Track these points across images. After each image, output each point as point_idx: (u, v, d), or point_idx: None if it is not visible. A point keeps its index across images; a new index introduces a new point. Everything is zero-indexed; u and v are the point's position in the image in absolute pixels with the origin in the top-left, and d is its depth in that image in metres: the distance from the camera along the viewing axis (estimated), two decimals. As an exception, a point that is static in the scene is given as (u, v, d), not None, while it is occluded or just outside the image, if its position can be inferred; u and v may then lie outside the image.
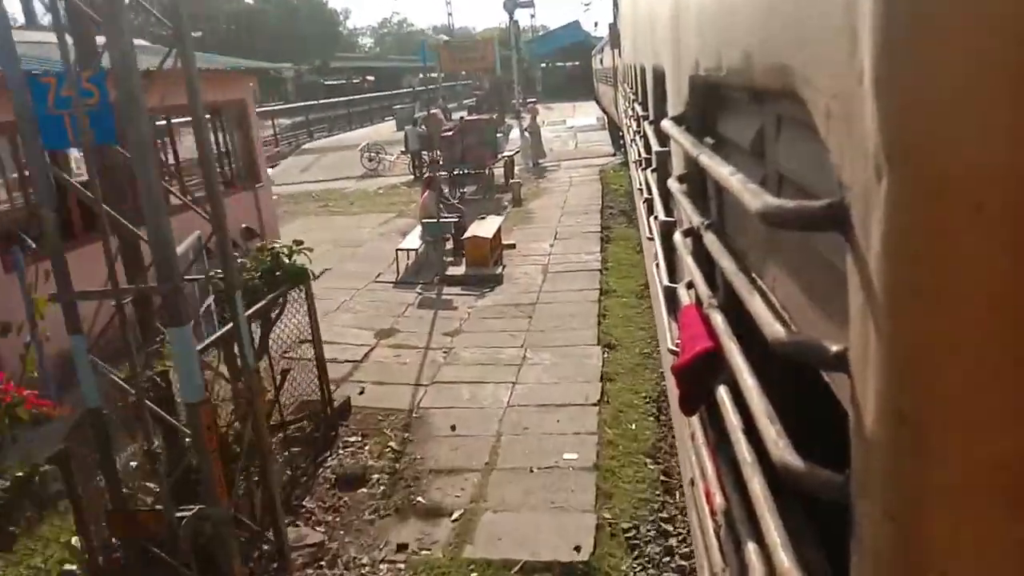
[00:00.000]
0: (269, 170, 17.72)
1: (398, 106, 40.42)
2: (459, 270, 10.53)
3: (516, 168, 18.70)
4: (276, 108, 40.64)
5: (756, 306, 0.93)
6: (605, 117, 24.52)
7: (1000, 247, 0.50)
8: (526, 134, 20.47)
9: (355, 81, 53.52)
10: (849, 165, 0.65)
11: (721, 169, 1.05)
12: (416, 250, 10.97)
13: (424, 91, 48.17)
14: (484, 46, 39.05)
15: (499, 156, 17.38)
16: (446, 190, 15.06)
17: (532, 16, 57.27)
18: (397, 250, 11.00)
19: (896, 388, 0.58)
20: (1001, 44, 0.47)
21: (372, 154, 22.88)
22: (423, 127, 20.30)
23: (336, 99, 44.46)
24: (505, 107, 30.55)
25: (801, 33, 0.77)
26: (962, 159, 0.50)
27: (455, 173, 16.42)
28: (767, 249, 1.18)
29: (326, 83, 50.68)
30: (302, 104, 42.91)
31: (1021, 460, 0.52)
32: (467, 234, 10.77)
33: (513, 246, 11.76)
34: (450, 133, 17.12)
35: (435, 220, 10.59)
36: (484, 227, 11.00)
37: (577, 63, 51.26)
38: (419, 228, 11.28)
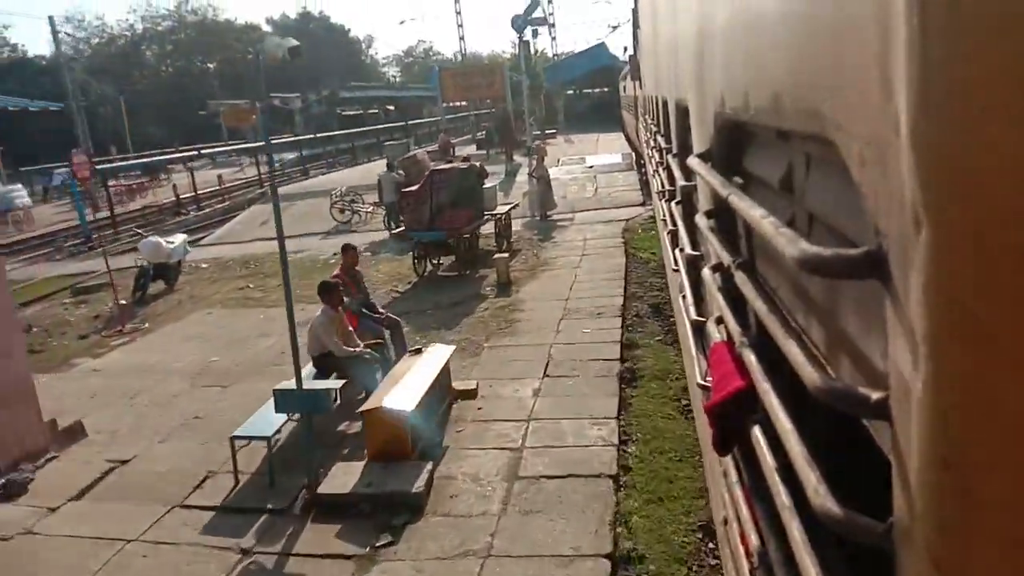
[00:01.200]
0: (182, 232, 15.10)
1: (389, 142, 34.51)
2: (353, 472, 5.35)
3: (519, 222, 14.70)
4: (258, 144, 35.22)
5: (792, 350, 0.93)
6: (632, 154, 20.96)
7: None
8: (532, 179, 16.53)
9: (372, 111, 50.05)
10: (885, 212, 0.66)
11: (753, 212, 1.05)
12: (269, 438, 5.62)
13: (418, 124, 42.91)
14: (492, 71, 34.90)
15: (486, 215, 12.87)
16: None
17: (553, 38, 51.56)
18: (233, 439, 5.67)
19: (940, 435, 0.58)
20: None
21: (344, 203, 18.20)
22: (400, 172, 16.05)
23: (345, 131, 41.10)
24: (514, 142, 25.46)
25: (833, 79, 0.78)
26: (1001, 208, 0.51)
27: (422, 243, 11.93)
28: (800, 289, 1.18)
29: (343, 114, 47.45)
30: (290, 139, 38.88)
31: None
32: (370, 402, 5.69)
33: (473, 394, 6.68)
34: (414, 188, 12.25)
35: (292, 390, 5.35)
36: (411, 378, 5.94)
37: (606, 89, 46.18)
38: (309, 369, 6.30)
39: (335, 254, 12.11)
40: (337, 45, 72.85)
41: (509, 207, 14.16)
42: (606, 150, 26.12)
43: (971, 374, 0.55)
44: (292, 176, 32.96)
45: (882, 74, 0.63)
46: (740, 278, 1.29)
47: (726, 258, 1.43)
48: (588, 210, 16.75)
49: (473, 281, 11.40)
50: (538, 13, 29.93)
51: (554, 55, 50.31)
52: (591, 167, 22.86)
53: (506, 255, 11.66)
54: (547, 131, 33.57)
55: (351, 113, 48.74)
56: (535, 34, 44.09)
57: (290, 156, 36.97)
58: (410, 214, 12.01)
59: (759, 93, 1.16)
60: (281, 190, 24.35)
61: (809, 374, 0.85)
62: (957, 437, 0.57)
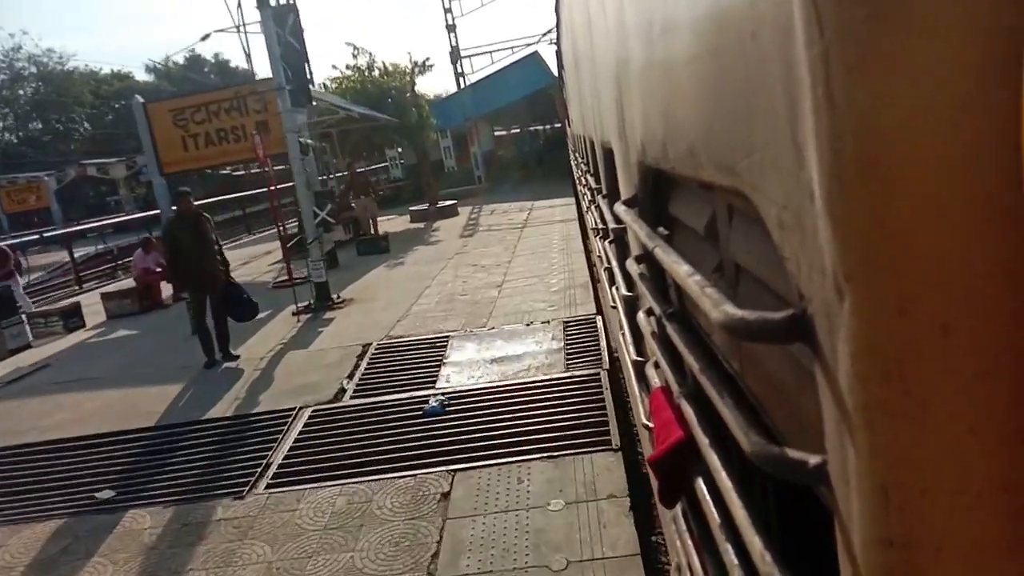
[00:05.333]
0: None
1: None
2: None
3: None
4: None
5: (726, 409, 0.91)
6: (599, 312, 7.58)
7: (971, 370, 0.50)
8: None
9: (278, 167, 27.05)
10: (807, 277, 0.64)
11: (679, 267, 1.03)
12: None
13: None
14: (261, 102, 13.72)
15: None
16: None
17: (455, 49, 28.58)
18: None
19: (881, 512, 0.56)
20: (959, 164, 0.47)
21: None
22: None
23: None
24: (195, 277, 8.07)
25: (747, 140, 0.77)
26: (925, 282, 0.50)
27: None
28: (735, 341, 1.15)
29: (234, 174, 31.37)
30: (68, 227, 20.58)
31: None
32: None
33: None
34: None
35: None
36: None
37: (556, 125, 32.50)
38: None
39: None
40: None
41: None
42: (536, 260, 11.35)
43: (907, 449, 0.53)
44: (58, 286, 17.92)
45: (793, 140, 0.61)
46: (672, 329, 1.28)
47: (656, 308, 1.42)
48: None
49: None
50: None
51: (459, 74, 29.99)
52: (437, 405, 5.70)
53: None
54: (439, 203, 20.57)
55: (239, 173, 32.23)
56: (456, 62, 27.91)
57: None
58: None
59: (676, 145, 1.16)
60: None
61: (743, 436, 0.82)
62: (899, 515, 0.55)
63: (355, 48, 22.84)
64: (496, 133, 36.07)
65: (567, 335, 7.18)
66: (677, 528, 1.74)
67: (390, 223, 19.78)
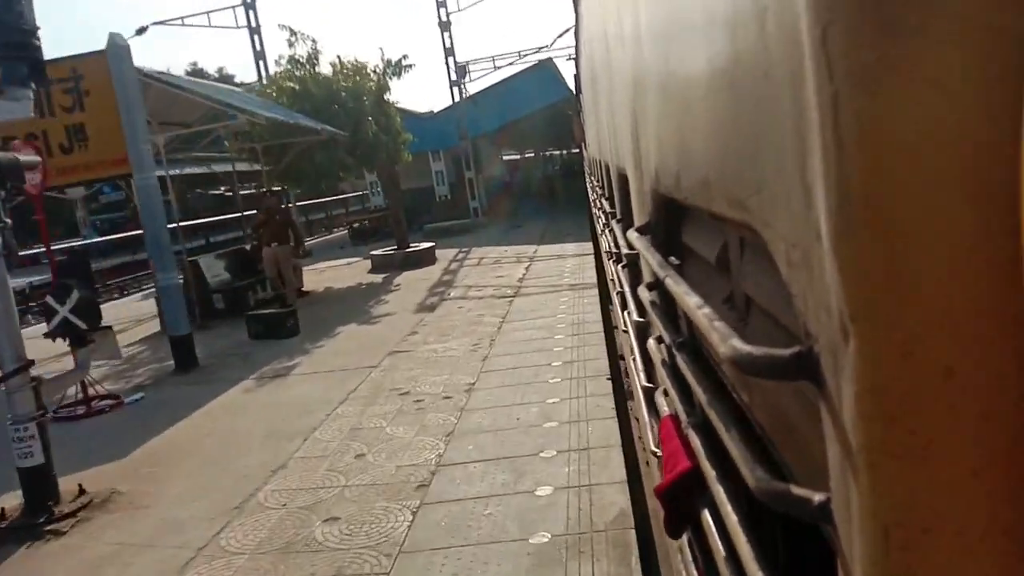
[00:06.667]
0: None
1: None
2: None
3: None
4: None
5: (732, 445, 0.91)
6: None
7: (975, 413, 0.50)
8: None
9: (246, 191, 22.91)
10: (814, 316, 0.64)
11: (689, 299, 1.04)
12: None
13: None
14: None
15: None
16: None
17: (459, 64, 23.98)
18: None
19: (882, 553, 0.56)
20: (964, 209, 0.48)
21: None
22: None
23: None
24: None
25: (759, 174, 0.77)
26: (930, 325, 0.51)
27: None
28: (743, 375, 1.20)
29: (226, 194, 25.87)
30: None
31: None
32: None
33: None
34: None
35: None
36: None
37: (575, 150, 27.70)
38: None
39: None
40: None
41: None
42: (518, 395, 6.38)
43: (910, 489, 0.54)
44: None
45: (802, 179, 0.62)
46: (681, 359, 1.28)
47: (667, 337, 1.42)
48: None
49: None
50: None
51: (454, 83, 25.13)
52: None
53: None
54: (409, 245, 17.40)
55: (215, 192, 27.71)
56: (451, 67, 23.40)
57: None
58: None
59: (689, 176, 1.17)
60: None
61: (748, 471, 0.82)
62: (900, 555, 0.55)
63: (291, 33, 15.93)
64: (505, 157, 31.93)
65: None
66: (683, 559, 1.73)
67: (344, 271, 15.93)
